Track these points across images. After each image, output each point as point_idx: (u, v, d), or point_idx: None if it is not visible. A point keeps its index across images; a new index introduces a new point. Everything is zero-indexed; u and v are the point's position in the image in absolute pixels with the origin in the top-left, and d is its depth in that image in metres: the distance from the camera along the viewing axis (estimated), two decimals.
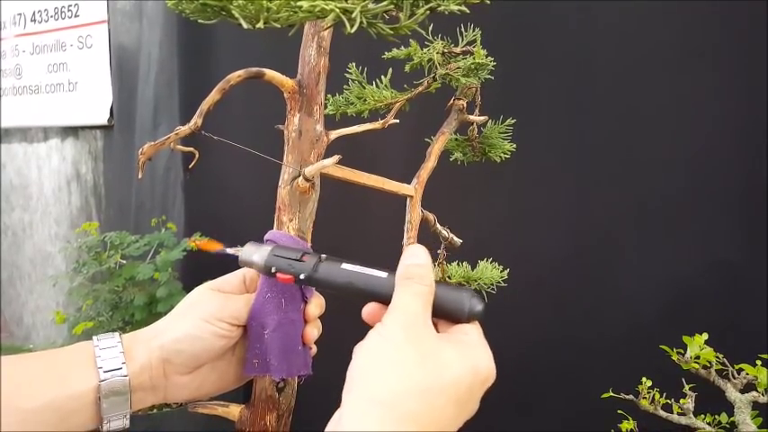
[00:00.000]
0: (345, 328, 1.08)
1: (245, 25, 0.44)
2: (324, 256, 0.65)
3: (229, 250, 0.71)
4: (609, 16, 1.56)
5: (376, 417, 0.48)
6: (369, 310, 0.62)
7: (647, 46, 1.54)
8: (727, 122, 1.49)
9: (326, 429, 0.50)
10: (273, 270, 0.66)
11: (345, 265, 0.63)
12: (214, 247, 0.71)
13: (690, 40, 1.51)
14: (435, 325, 0.58)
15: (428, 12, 0.47)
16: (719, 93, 1.49)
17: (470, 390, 0.54)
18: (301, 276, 0.64)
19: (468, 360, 0.54)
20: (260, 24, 0.44)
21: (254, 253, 0.68)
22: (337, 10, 0.43)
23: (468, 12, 0.48)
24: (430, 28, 0.88)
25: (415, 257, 0.60)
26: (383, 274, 0.61)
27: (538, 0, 1.59)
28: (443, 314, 0.59)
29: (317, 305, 0.75)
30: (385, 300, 0.59)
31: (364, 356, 0.53)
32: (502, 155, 1.04)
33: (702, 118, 1.51)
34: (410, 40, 0.92)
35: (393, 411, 0.49)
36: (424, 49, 0.93)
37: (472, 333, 0.58)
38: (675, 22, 1.50)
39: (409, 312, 0.55)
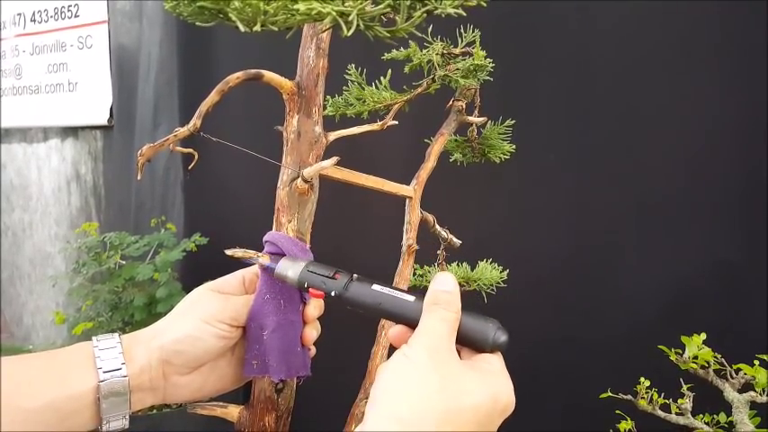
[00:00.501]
0: (344, 329, 1.08)
1: (242, 28, 0.44)
2: (356, 276, 0.67)
3: (261, 260, 0.72)
4: (608, 16, 1.56)
5: None
6: (395, 331, 0.63)
7: (647, 46, 1.54)
8: (728, 123, 1.49)
9: None
10: (306, 285, 0.68)
11: (376, 287, 0.65)
12: (249, 255, 0.72)
13: (690, 41, 1.51)
14: (459, 352, 0.60)
15: (425, 15, 0.47)
16: (720, 93, 1.49)
17: (489, 417, 0.55)
18: (332, 294, 0.66)
19: (490, 388, 0.56)
20: (257, 27, 0.44)
21: (289, 268, 0.69)
22: (334, 13, 0.43)
23: (464, 15, 0.48)
24: (429, 29, 0.89)
25: (443, 285, 0.61)
26: (411, 298, 0.62)
27: (536, 0, 1.59)
28: (468, 342, 0.60)
29: (315, 306, 0.75)
30: (412, 323, 0.60)
31: (389, 376, 0.54)
32: (501, 156, 1.05)
33: (702, 118, 1.51)
34: (409, 41, 0.92)
35: (412, 429, 0.50)
36: (424, 51, 0.93)
37: (495, 363, 0.59)
38: (675, 22, 1.50)
39: (435, 337, 0.57)
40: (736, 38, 1.46)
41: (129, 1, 2.38)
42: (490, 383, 0.56)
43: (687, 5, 1.47)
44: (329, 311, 0.76)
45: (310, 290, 0.68)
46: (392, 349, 0.59)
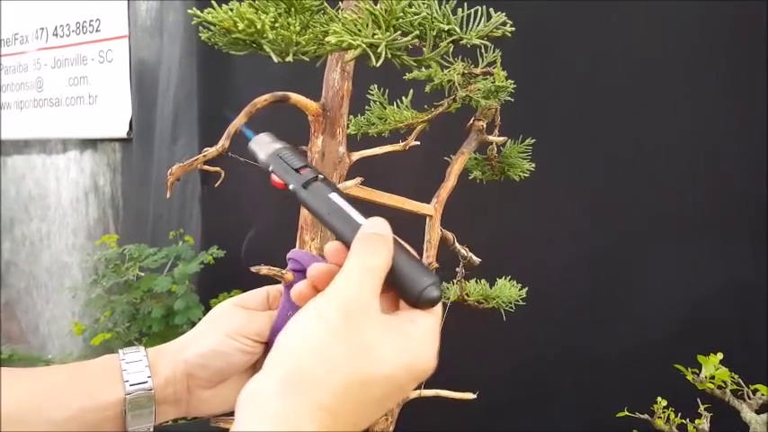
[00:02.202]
0: None
1: (275, 59, 0.45)
2: (321, 177, 0.60)
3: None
4: (623, 34, 1.57)
5: (291, 402, 0.47)
6: (332, 248, 0.58)
7: (663, 64, 1.54)
8: (743, 142, 1.49)
9: (244, 390, 0.48)
10: (270, 169, 0.62)
11: (334, 195, 0.59)
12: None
13: (710, 59, 1.51)
14: (390, 297, 0.56)
15: (451, 45, 0.48)
16: (736, 112, 1.50)
17: (400, 387, 0.51)
18: (290, 187, 0.61)
19: (406, 356, 0.51)
20: (289, 58, 0.45)
21: (263, 147, 0.63)
22: (363, 45, 0.44)
23: (489, 45, 0.49)
24: (451, 49, 0.90)
25: (375, 226, 0.55)
26: (361, 221, 0.57)
27: (550, 18, 1.60)
28: (396, 289, 0.55)
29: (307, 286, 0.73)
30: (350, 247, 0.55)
31: (296, 331, 0.51)
32: (521, 174, 1.05)
33: (718, 137, 1.52)
34: (435, 61, 0.93)
35: (310, 401, 0.47)
36: (445, 71, 0.94)
37: (421, 323, 0.53)
38: (695, 39, 1.51)
39: (354, 294, 0.51)
40: (757, 59, 1.47)
41: (150, 15, 2.42)
42: (408, 351, 0.51)
43: (709, 30, 1.48)
44: None
45: (272, 177, 0.61)
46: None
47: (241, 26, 0.43)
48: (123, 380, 0.68)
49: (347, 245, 0.56)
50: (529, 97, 1.53)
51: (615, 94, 1.60)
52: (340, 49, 0.44)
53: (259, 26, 0.43)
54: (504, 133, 1.03)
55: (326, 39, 0.44)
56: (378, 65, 0.45)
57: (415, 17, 0.45)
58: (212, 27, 0.47)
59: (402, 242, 0.58)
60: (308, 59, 0.46)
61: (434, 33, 0.47)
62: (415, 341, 0.52)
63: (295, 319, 0.51)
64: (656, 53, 1.55)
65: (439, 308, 0.55)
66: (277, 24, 0.44)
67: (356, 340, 0.49)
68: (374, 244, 0.54)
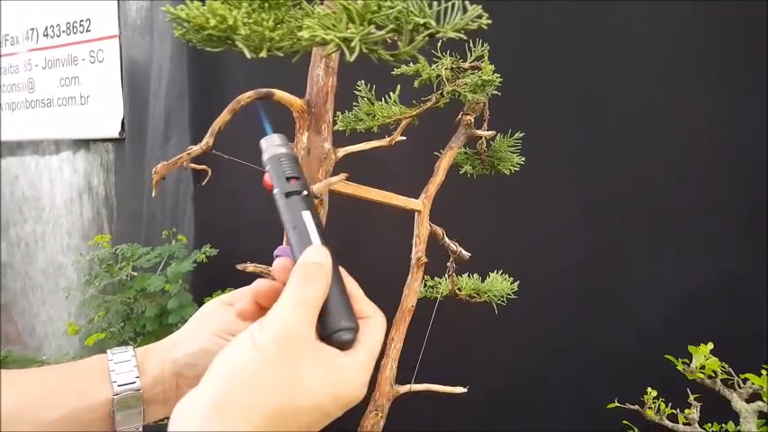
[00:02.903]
0: None
1: (248, 55, 0.45)
2: (305, 193, 0.61)
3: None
4: (616, 28, 1.57)
5: (217, 426, 0.48)
6: (278, 265, 0.59)
7: (658, 58, 1.54)
8: (735, 136, 1.50)
9: (178, 405, 0.50)
10: (267, 169, 0.63)
11: (305, 213, 0.60)
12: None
13: (701, 52, 1.51)
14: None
15: (427, 38, 0.48)
16: (729, 106, 1.50)
17: (326, 414, 0.53)
18: (274, 191, 0.62)
19: (336, 387, 0.53)
20: (263, 53, 0.45)
21: (272, 145, 0.64)
22: (337, 39, 0.44)
23: (465, 39, 0.49)
24: (439, 44, 0.90)
25: (315, 256, 0.57)
26: (315, 243, 0.58)
27: (542, 11, 1.60)
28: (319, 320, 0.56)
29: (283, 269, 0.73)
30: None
31: (231, 355, 0.52)
32: (511, 168, 1.05)
33: (711, 131, 1.52)
34: (418, 56, 0.93)
35: (239, 426, 0.48)
36: (433, 66, 0.94)
37: (357, 355, 0.55)
38: (686, 31, 1.51)
39: (289, 326, 0.52)
40: (749, 54, 1.47)
41: (141, 14, 2.41)
42: (338, 382, 0.53)
43: (702, 21, 1.48)
44: None
45: (265, 176, 0.63)
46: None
47: (213, 22, 0.43)
48: (111, 380, 0.68)
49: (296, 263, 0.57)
50: (524, 93, 1.54)
51: (610, 91, 1.60)
52: (314, 43, 0.44)
53: (231, 22, 0.43)
54: (498, 129, 1.03)
55: (299, 34, 0.44)
56: (352, 59, 0.45)
57: (391, 11, 0.45)
58: (185, 24, 0.47)
59: (343, 274, 0.60)
60: (282, 55, 0.46)
61: (410, 27, 0.46)
62: (346, 372, 0.54)
63: (233, 344, 0.53)
64: (654, 48, 1.55)
65: (376, 341, 0.57)
66: (250, 20, 0.44)
67: (288, 370, 0.51)
68: (311, 274, 0.55)
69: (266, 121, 0.68)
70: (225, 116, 0.72)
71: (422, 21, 0.46)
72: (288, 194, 0.61)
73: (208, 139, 0.71)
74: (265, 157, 0.64)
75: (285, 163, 0.63)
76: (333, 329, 0.55)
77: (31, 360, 2.21)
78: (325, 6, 0.45)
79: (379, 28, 0.47)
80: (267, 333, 0.52)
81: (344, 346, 0.55)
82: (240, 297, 0.76)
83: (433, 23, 0.47)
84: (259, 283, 0.60)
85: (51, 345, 2.99)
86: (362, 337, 0.57)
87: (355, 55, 0.45)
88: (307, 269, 0.56)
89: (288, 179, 0.62)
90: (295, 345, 0.52)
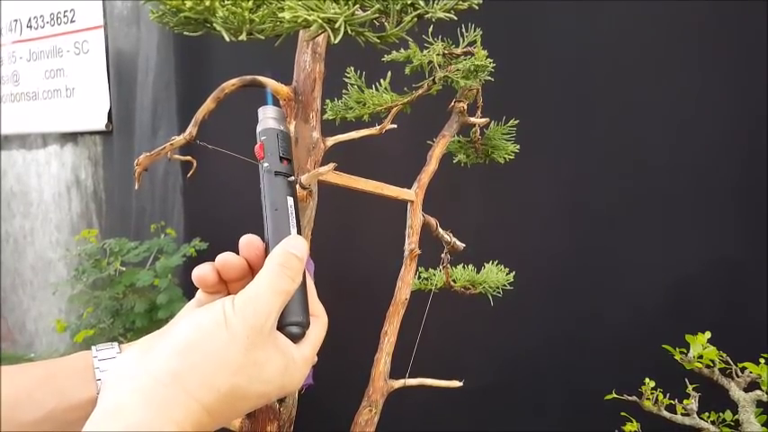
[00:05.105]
0: (347, 338, 1.07)
1: (227, 38, 0.43)
2: (293, 178, 0.62)
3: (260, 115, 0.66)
4: (608, 16, 1.56)
5: (171, 390, 0.49)
6: (246, 240, 0.61)
7: (646, 45, 1.53)
8: (727, 120, 1.48)
9: (125, 359, 0.53)
10: (262, 139, 0.63)
11: (289, 199, 0.61)
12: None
13: (688, 39, 1.50)
14: None
15: (416, 19, 0.46)
16: (719, 91, 1.49)
17: (266, 400, 0.56)
18: (264, 164, 0.62)
19: (284, 377, 0.55)
20: (243, 36, 0.43)
21: (272, 118, 0.64)
22: (320, 20, 0.42)
23: (455, 19, 0.47)
24: (430, 29, 0.87)
25: (296, 248, 0.57)
26: (291, 234, 0.59)
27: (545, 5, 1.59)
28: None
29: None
30: (268, 251, 0.58)
31: (199, 331, 0.52)
32: (506, 156, 1.03)
33: (702, 116, 1.51)
34: (410, 42, 0.91)
35: (191, 394, 0.50)
36: (424, 52, 0.92)
37: (304, 348, 0.58)
38: (675, 20, 1.50)
39: (262, 313, 0.53)
40: (736, 36, 1.46)
41: (126, 4, 2.37)
42: (288, 373, 0.55)
43: (686, 5, 1.46)
44: (332, 319, 0.75)
45: (258, 145, 0.63)
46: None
47: (189, 4, 0.41)
48: (95, 378, 0.66)
49: (267, 245, 0.59)
50: (516, 82, 1.52)
51: (601, 76, 1.59)
52: (297, 25, 0.42)
53: (208, 3, 0.41)
54: (489, 117, 1.01)
55: (281, 15, 0.41)
56: (337, 41, 0.43)
57: None
58: (161, 6, 0.44)
59: (307, 269, 0.61)
60: (263, 38, 0.43)
61: (398, 7, 0.44)
62: (295, 364, 0.56)
63: (202, 314, 0.53)
64: (648, 33, 1.54)
65: (319, 340, 0.60)
66: (228, 1, 0.42)
67: (252, 356, 0.52)
68: (292, 266, 0.56)
69: (269, 91, 0.68)
70: (209, 105, 0.70)
71: (410, 0, 0.44)
72: (277, 173, 0.61)
73: (191, 129, 0.68)
74: (262, 126, 0.64)
75: (282, 141, 0.63)
76: (289, 322, 0.56)
77: (21, 357, 2.19)
78: None
79: (365, 9, 0.45)
80: (240, 316, 0.53)
81: (295, 339, 0.57)
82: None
83: (422, 3, 0.45)
84: (224, 257, 0.60)
85: (42, 341, 2.97)
86: (310, 334, 0.60)
87: (340, 37, 0.43)
88: (289, 259, 0.56)
89: (281, 159, 0.62)
90: (263, 332, 0.53)
